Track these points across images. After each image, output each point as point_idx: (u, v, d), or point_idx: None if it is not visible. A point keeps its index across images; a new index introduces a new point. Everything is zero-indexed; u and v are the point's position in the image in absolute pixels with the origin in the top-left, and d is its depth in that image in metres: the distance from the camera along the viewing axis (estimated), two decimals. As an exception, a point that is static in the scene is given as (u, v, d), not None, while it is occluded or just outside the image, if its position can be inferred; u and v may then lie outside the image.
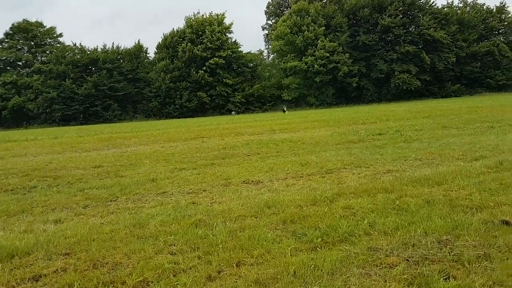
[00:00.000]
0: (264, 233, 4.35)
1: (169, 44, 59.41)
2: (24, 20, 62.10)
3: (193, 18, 59.82)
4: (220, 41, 57.25)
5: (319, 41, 56.44)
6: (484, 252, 3.71)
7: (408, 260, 3.63)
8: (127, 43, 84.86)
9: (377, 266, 3.58)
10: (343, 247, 4.00)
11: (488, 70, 60.66)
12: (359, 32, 59.72)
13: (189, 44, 56.76)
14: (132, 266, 3.76)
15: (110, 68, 56.53)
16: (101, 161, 10.01)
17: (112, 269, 3.75)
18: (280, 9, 75.66)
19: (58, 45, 64.05)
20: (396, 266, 3.54)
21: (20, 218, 5.52)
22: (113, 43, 66.73)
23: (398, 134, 12.40)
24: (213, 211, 5.16)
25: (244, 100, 57.97)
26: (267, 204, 5.36)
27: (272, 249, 3.95)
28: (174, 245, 4.20)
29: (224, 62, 56.73)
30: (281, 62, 60.00)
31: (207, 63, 56.15)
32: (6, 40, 61.50)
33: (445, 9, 63.52)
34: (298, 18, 58.32)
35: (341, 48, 56.91)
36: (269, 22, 78.61)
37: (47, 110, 55.14)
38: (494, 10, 64.49)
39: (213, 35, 56.76)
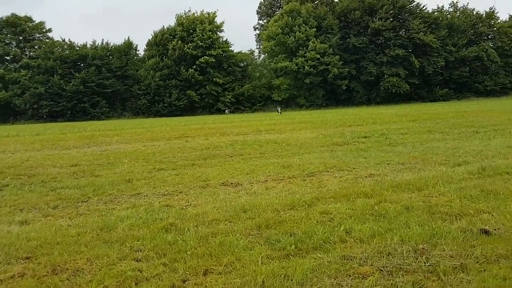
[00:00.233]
0: (236, 239, 4.19)
1: (159, 42, 58.84)
2: (13, 15, 61.05)
3: (184, 16, 59.34)
4: (211, 39, 56.85)
5: (310, 42, 56.42)
6: (461, 263, 3.60)
7: (381, 270, 3.50)
8: (117, 40, 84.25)
9: (349, 276, 3.44)
10: (316, 255, 3.86)
11: (476, 75, 61.19)
12: (349, 35, 59.82)
13: (179, 42, 56.25)
14: (93, 272, 3.58)
15: (99, 64, 55.77)
16: (79, 160, 9.76)
17: (72, 276, 3.56)
18: (272, 9, 75.51)
19: (47, 40, 63.11)
20: (369, 276, 3.40)
21: (-16, 219, 5.28)
22: (102, 39, 65.78)
23: (384, 137, 12.33)
24: (186, 215, 4.99)
25: (234, 100, 57.66)
26: (243, 208, 5.20)
27: (242, 257, 3.78)
28: (141, 250, 4.02)
29: (214, 61, 56.34)
30: (271, 62, 59.85)
31: (197, 62, 55.73)
32: (-6, 34, 60.49)
33: (435, 14, 63.95)
34: (290, 18, 58.23)
35: (331, 50, 56.95)
36: (261, 22, 78.51)
37: (34, 106, 54.20)
38: (484, 15, 65.07)
39: (204, 34, 56.35)
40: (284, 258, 3.79)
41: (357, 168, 7.81)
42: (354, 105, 57.40)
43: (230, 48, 60.92)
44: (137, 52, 63.08)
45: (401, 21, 60.28)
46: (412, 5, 61.47)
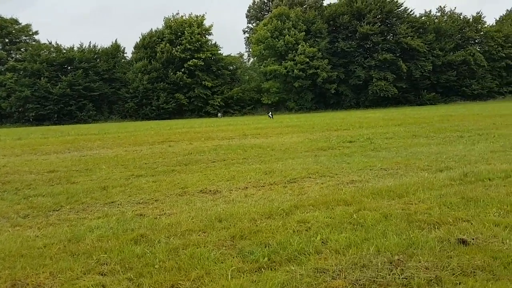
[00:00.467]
0: (208, 251, 4.04)
1: (147, 44, 58.48)
2: (-2, 17, 60.32)
3: (172, 19, 59.10)
4: (199, 42, 56.64)
5: (299, 46, 56.60)
6: (436, 275, 3.50)
7: (354, 284, 3.39)
8: (105, 43, 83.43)
9: (321, 290, 3.32)
10: (290, 267, 3.73)
11: (463, 79, 61.94)
12: (338, 39, 60.16)
13: (167, 45, 55.99)
14: (54, 288, 3.40)
15: (86, 67, 55.20)
16: (57, 165, 9.52)
17: (32, 292, 3.39)
18: (261, 13, 75.67)
19: (34, 43, 62.37)
20: (341, 291, 3.28)
21: (-51, 230, 5.06)
22: (90, 42, 65.30)
23: (369, 142, 12.28)
24: (159, 225, 4.82)
25: (223, 103, 57.50)
26: (219, 217, 5.06)
27: (212, 270, 3.64)
28: (107, 264, 3.85)
29: (203, 64, 56.15)
30: (261, 66, 59.89)
31: (185, 65, 55.48)
32: (-21, 36, 59.60)
33: (423, 18, 64.64)
34: (279, 22, 58.37)
35: (320, 53, 57.21)
36: (250, 25, 78.65)
37: (20, 109, 53.45)
38: (471, 20, 65.90)
39: (192, 37, 56.13)
40: (255, 271, 3.65)
41: (339, 174, 7.71)
42: (343, 109, 57.70)
43: (219, 51, 60.88)
44: (125, 55, 62.73)
45: (388, 25, 60.81)
46: (399, 9, 62.10)
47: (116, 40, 62.25)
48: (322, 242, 4.30)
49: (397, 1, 61.78)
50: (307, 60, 55.66)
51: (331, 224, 4.80)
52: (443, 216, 4.98)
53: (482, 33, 66.11)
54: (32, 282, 3.56)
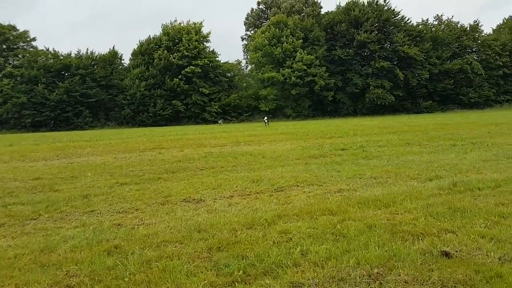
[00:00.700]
0: (182, 263, 3.91)
1: (144, 51, 58.47)
2: (-4, 23, 60.38)
3: (170, 26, 59.18)
4: (197, 49, 56.65)
5: (297, 53, 56.72)
6: (415, 290, 3.37)
7: (329, 299, 3.26)
8: (103, 49, 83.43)
9: (294, 306, 3.19)
10: (265, 281, 3.60)
11: (460, 87, 61.95)
12: (335, 46, 60.30)
13: (165, 51, 55.99)
14: (17, 303, 3.27)
15: (83, 74, 55.07)
16: (43, 173, 9.38)
17: (-7, 307, 3.24)
18: (259, 21, 75.89)
19: (31, 49, 62.37)
20: (315, 306, 3.15)
21: None
22: (87, 48, 65.23)
23: (361, 150, 12.17)
24: (135, 235, 4.69)
25: (220, 110, 57.39)
26: (198, 227, 4.92)
27: (183, 285, 3.51)
28: (76, 276, 3.72)
29: (200, 71, 56.11)
30: (258, 73, 59.95)
31: (183, 71, 55.40)
32: (-24, 42, 59.63)
33: (420, 27, 64.78)
34: (277, 30, 58.54)
35: (318, 61, 57.31)
36: (248, 32, 78.85)
37: (16, 116, 53.27)
38: (468, 28, 66.07)
39: (190, 44, 56.15)
40: (228, 286, 3.52)
41: (328, 183, 7.59)
42: (340, 116, 57.67)
43: (217, 58, 60.85)
44: (122, 62, 62.65)
45: (386, 33, 60.96)
46: (396, 18, 62.30)
47: (113, 47, 62.40)
48: (302, 254, 4.17)
49: (394, 10, 62.08)
50: (305, 67, 55.73)
51: (313, 235, 4.68)
52: (428, 227, 4.87)
53: (479, 41, 66.22)
54: (-4, 296, 3.42)
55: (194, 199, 6.40)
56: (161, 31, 59.91)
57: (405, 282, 3.53)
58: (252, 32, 74.22)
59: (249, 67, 71.61)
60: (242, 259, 4.04)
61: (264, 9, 75.99)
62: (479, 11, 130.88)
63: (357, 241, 4.44)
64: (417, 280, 3.58)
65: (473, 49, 67.23)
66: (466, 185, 6.91)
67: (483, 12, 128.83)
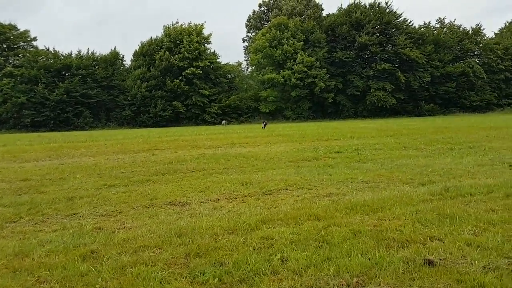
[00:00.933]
0: (157, 270, 3.81)
1: (146, 52, 58.45)
2: (-3, 23, 60.41)
3: (171, 28, 59.17)
4: (198, 51, 56.62)
5: (298, 55, 56.62)
6: (393, 301, 3.26)
7: (303, 310, 3.15)
8: (105, 50, 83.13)
9: (266, 317, 3.08)
10: (238, 290, 3.49)
11: (462, 90, 61.72)
12: (336, 49, 60.19)
13: (166, 53, 55.97)
14: (-19, 310, 3.17)
15: (84, 74, 55.01)
16: (32, 174, 9.29)
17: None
18: (260, 22, 75.89)
19: (32, 49, 62.36)
20: (288, 317, 3.05)
21: None
22: (88, 49, 65.24)
23: (356, 153, 12.05)
24: (114, 240, 4.58)
25: (220, 111, 57.28)
26: (179, 232, 4.82)
27: (155, 292, 3.40)
28: (47, 282, 3.62)
29: (201, 72, 56.06)
30: (259, 74, 59.88)
31: (183, 73, 55.37)
32: (-23, 42, 59.71)
33: (422, 29, 64.62)
34: (278, 32, 58.47)
35: (318, 63, 57.17)
36: (249, 34, 78.83)
37: (16, 116, 53.25)
38: (470, 32, 65.87)
39: (191, 45, 56.13)
40: (201, 294, 3.42)
41: (318, 187, 7.48)
42: (341, 119, 57.51)
43: (218, 60, 60.80)
44: (124, 63, 62.62)
45: (387, 36, 60.81)
46: (398, 20, 62.15)
47: (115, 48, 62.39)
48: (282, 261, 4.06)
49: (395, 12, 61.93)
50: (305, 69, 55.61)
51: (295, 241, 4.57)
52: (415, 234, 4.76)
53: (481, 45, 66.02)
54: (-39, 302, 3.32)
55: (180, 202, 6.30)
56: (162, 33, 59.94)
57: (384, 292, 3.42)
58: (253, 34, 74.19)
59: (249, 69, 71.58)
60: (220, 266, 3.94)
61: (265, 11, 76.01)
62: (481, 15, 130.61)
63: (340, 248, 4.33)
64: (397, 290, 3.47)
65: (475, 53, 67.00)
66: (458, 191, 6.80)
67: (485, 16, 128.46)
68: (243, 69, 72.08)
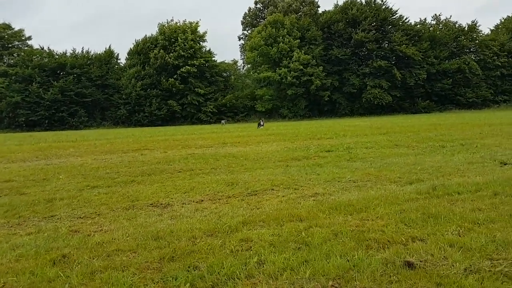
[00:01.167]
0: (127, 275, 3.69)
1: (140, 51, 58.25)
2: (-9, 22, 60.12)
3: (166, 25, 58.94)
4: (193, 49, 56.42)
5: (294, 53, 56.47)
6: (367, 306, 3.16)
7: (273, 316, 3.04)
8: (100, 49, 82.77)
9: (235, 324, 2.97)
10: (210, 296, 3.39)
11: (458, 87, 61.78)
12: (332, 46, 60.10)
13: (161, 51, 55.78)
14: None
15: (79, 73, 54.88)
16: (15, 175, 9.15)
17: None
18: (256, 20, 75.72)
19: (26, 48, 62.09)
20: (256, 325, 2.94)
21: None
22: (82, 47, 64.88)
23: (347, 151, 11.95)
24: (88, 243, 4.46)
25: (216, 110, 57.16)
26: (156, 235, 4.70)
27: (123, 298, 3.29)
28: (12, 289, 3.49)
29: (196, 70, 55.88)
30: (255, 72, 59.74)
31: (178, 71, 55.21)
32: (-29, 41, 59.37)
33: (418, 26, 64.61)
34: (273, 29, 58.29)
35: (314, 61, 57.07)
36: (245, 32, 78.64)
37: (10, 115, 53.05)
38: (466, 28, 65.88)
39: (186, 43, 55.93)
40: (171, 300, 3.31)
41: (304, 186, 7.37)
42: (337, 117, 57.46)
43: (213, 58, 60.64)
44: (119, 61, 62.42)
45: (383, 33, 60.77)
46: (394, 17, 62.13)
47: (109, 46, 62.09)
48: (258, 264, 3.95)
49: (391, 9, 61.88)
50: (301, 67, 55.50)
51: (275, 243, 4.46)
52: (397, 234, 4.65)
53: (477, 41, 66.06)
54: None
55: (161, 204, 6.18)
56: (157, 31, 59.72)
57: (359, 296, 3.32)
58: (249, 31, 73.99)
59: (245, 67, 71.39)
60: (194, 270, 3.83)
61: (261, 8, 75.86)
62: (477, 11, 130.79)
63: (319, 250, 4.23)
64: (372, 294, 3.37)
65: (471, 49, 67.06)
66: (445, 189, 6.70)
67: (481, 13, 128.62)
68: (239, 68, 71.96)
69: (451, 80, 60.81)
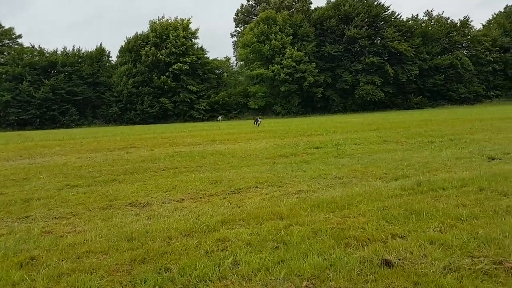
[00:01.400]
0: (95, 278, 3.56)
1: (132, 48, 57.74)
2: (-20, 21, 59.36)
3: (157, 22, 58.49)
4: (184, 46, 56.05)
5: (286, 49, 56.28)
6: (339, 308, 3.05)
7: (241, 320, 2.92)
8: (92, 47, 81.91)
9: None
10: (179, 299, 3.26)
11: (450, 83, 61.94)
12: (325, 42, 59.96)
13: (152, 48, 55.34)
14: None
15: (70, 71, 54.35)
16: (-4, 175, 8.99)
17: None
18: (249, 17, 75.36)
19: (16, 46, 61.39)
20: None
21: None
22: (73, 46, 64.35)
23: (335, 148, 11.86)
24: (59, 245, 4.33)
25: (209, 108, 56.85)
26: (130, 235, 4.56)
27: (87, 303, 3.16)
28: (-27, 294, 3.35)
29: (188, 68, 55.51)
30: (247, 69, 59.50)
31: (170, 69, 54.83)
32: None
33: (410, 22, 64.63)
34: (266, 26, 58.02)
35: (307, 57, 56.90)
36: (238, 29, 78.31)
37: (1, 114, 52.47)
38: (458, 24, 66.02)
39: (178, 40, 55.54)
40: (137, 304, 3.18)
41: (289, 184, 7.26)
42: (330, 113, 57.39)
43: (206, 55, 60.28)
44: (110, 59, 61.90)
45: (376, 29, 60.74)
46: (386, 13, 62.09)
47: (101, 44, 61.59)
48: (232, 264, 3.83)
49: (383, 5, 61.85)
50: (294, 64, 55.32)
51: (252, 243, 4.34)
52: (378, 231, 4.55)
53: (469, 37, 66.22)
54: None
55: (140, 203, 6.04)
56: (148, 28, 59.25)
57: (333, 297, 3.21)
58: (242, 28, 73.66)
59: (238, 64, 71.12)
60: (165, 272, 3.70)
61: (253, 4, 75.51)
62: (469, 7, 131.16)
63: (297, 249, 4.12)
64: (347, 294, 3.26)
65: (463, 45, 67.24)
66: (430, 185, 6.62)
67: (474, 10, 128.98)
68: (231, 65, 71.64)
69: (443, 75, 60.93)
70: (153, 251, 4.13)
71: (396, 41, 58.13)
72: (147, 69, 55.72)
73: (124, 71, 55.35)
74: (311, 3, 68.77)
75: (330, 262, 3.80)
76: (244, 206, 5.80)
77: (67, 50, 58.44)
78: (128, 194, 6.54)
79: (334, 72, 59.37)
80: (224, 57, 69.00)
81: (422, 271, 3.59)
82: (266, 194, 6.58)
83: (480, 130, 15.85)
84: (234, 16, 78.33)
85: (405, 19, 64.75)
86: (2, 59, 60.06)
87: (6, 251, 4.20)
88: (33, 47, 58.55)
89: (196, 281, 3.52)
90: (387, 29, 59.97)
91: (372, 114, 43.10)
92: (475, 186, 6.47)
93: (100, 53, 59.15)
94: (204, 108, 56.29)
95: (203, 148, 13.06)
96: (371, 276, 3.54)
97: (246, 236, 4.53)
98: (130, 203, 6.03)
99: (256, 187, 7.12)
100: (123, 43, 60.23)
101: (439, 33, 63.45)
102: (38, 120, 52.57)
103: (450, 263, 3.75)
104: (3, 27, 62.24)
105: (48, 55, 56.61)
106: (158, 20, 59.32)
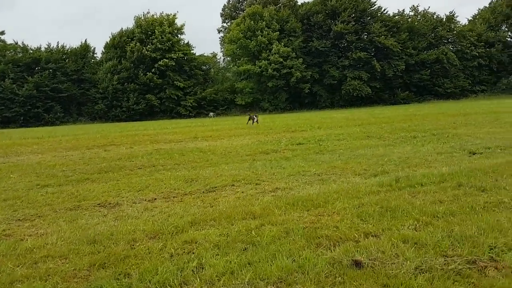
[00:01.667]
0: (49, 285, 3.37)
1: (117, 44, 56.83)
2: (-39, 16, 58.04)
3: (142, 18, 57.75)
4: (170, 42, 55.39)
5: (273, 45, 56.02)
6: (304, 313, 2.90)
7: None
8: (76, 44, 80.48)
9: None
10: (136, 306, 3.08)
11: (437, 78, 62.30)
12: (312, 38, 59.79)
13: (138, 44, 54.57)
14: None
15: (54, 68, 53.40)
16: (-35, 176, 8.67)
17: None
18: (236, 12, 74.81)
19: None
20: None
21: None
22: (57, 42, 63.22)
23: (318, 144, 11.74)
24: (18, 249, 4.12)
25: (196, 104, 56.34)
26: (93, 238, 4.36)
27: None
28: None
29: (174, 64, 54.89)
30: (234, 65, 59.12)
31: (156, 65, 54.16)
32: None
33: (396, 17, 64.76)
34: (252, 22, 57.63)
35: (294, 53, 56.69)
36: (225, 24, 77.76)
37: (-17, 112, 51.45)
38: (444, 19, 66.38)
39: (163, 36, 54.86)
40: (90, 313, 2.99)
41: (267, 181, 7.11)
42: (318, 109, 57.33)
43: (192, 51, 59.68)
44: (95, 55, 60.98)
45: (362, 24, 60.71)
46: (373, 8, 62.12)
47: (85, 40, 60.38)
48: (197, 269, 3.66)
49: (370, 0, 61.84)
50: (281, 60, 55.08)
51: (220, 245, 4.18)
52: (351, 230, 4.42)
53: (455, 32, 66.61)
54: None
55: (110, 204, 5.83)
56: (133, 23, 58.44)
57: (297, 302, 3.06)
58: (229, 23, 73.15)
59: (225, 60, 70.66)
60: (124, 278, 3.52)
61: (240, 0, 75.01)
62: (454, 4, 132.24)
63: (266, 251, 3.96)
64: (313, 298, 3.11)
65: (449, 40, 67.58)
66: (409, 181, 6.53)
67: (460, 5, 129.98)
68: (218, 60, 71.11)
69: (429, 70, 61.25)
70: (115, 255, 3.94)
71: (383, 36, 58.22)
72: (132, 65, 54.97)
73: (109, 68, 54.53)
74: (298, -2, 68.49)
75: (298, 264, 3.65)
76: (217, 206, 5.63)
77: (51, 47, 57.42)
78: (99, 194, 6.32)
79: (321, 68, 59.27)
80: (211, 53, 68.52)
81: (392, 272, 3.46)
82: (242, 192, 6.42)
83: (463, 125, 15.89)
84: (221, 12, 77.80)
85: (391, 14, 64.88)
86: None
87: (-40, 258, 3.97)
88: (16, 43, 57.42)
89: (156, 287, 3.34)
90: (373, 24, 60.00)
91: (359, 110, 43.21)
92: (454, 182, 6.38)
93: (85, 49, 58.23)
94: (191, 105, 55.76)
95: (183, 146, 12.83)
96: (339, 278, 3.40)
97: (215, 238, 4.37)
98: (99, 204, 5.81)
99: (233, 185, 6.96)
100: (108, 40, 59.38)
101: (425, 28, 63.72)
102: (22, 118, 51.59)
103: (422, 263, 3.63)
104: (-16, 23, 60.99)
105: (31, 51, 55.54)
106: (144, 15, 58.61)
